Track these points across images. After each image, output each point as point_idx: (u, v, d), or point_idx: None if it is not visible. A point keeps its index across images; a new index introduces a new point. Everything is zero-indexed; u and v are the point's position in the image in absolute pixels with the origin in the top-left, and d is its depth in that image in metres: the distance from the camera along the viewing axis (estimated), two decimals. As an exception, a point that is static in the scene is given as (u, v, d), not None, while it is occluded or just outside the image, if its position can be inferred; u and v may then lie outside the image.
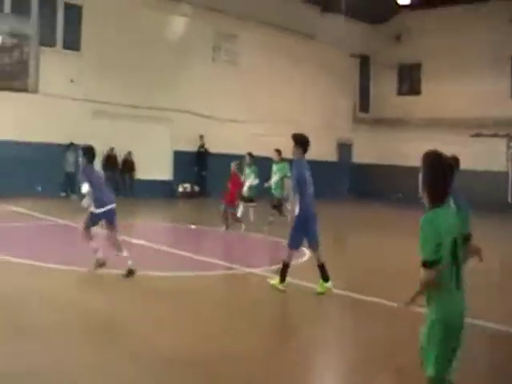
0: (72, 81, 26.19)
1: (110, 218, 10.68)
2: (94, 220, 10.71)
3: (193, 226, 18.38)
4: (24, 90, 22.39)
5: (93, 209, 10.58)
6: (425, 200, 4.55)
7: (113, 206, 10.71)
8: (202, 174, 30.33)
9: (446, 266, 4.37)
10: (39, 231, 16.10)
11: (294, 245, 9.82)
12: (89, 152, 10.66)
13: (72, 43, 27.07)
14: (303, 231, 9.72)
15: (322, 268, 9.77)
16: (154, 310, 8.60)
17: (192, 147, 30.59)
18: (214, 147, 30.02)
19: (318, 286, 9.84)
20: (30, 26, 22.13)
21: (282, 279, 9.82)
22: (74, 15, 26.92)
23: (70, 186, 26.07)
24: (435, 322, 4.41)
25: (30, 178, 24.66)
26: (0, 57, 21.91)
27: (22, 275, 10.39)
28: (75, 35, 27.12)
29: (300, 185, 9.69)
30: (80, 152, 10.81)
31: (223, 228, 17.41)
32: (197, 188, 30.12)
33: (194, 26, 29.93)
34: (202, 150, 30.62)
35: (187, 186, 29.78)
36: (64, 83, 25.85)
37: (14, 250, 12.14)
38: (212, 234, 17.53)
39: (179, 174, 29.96)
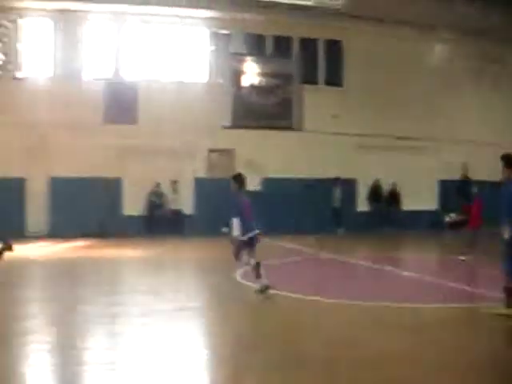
0: (335, 116, 26.59)
1: (252, 245, 11.21)
2: (241, 246, 11.22)
3: (462, 258, 17.67)
4: (289, 127, 23.25)
5: (239, 235, 11.03)
6: None
7: (256, 232, 11.19)
8: (466, 203, 29.20)
9: None
10: (316, 266, 16.78)
11: None
12: (238, 179, 11.39)
13: (334, 79, 27.59)
14: None
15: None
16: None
17: (457, 175, 29.67)
18: (478, 175, 28.82)
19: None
20: (292, 66, 22.98)
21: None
22: (334, 51, 27.40)
23: (337, 221, 26.28)
24: None
25: (298, 213, 25.33)
26: (264, 97, 23.01)
27: (297, 308, 10.58)
28: (337, 71, 27.58)
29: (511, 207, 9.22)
30: (231, 179, 11.46)
31: (463, 257, 17.27)
32: (463, 217, 28.99)
33: (454, 50, 29.22)
34: (465, 178, 29.56)
35: (453, 215, 28.79)
36: (327, 119, 26.39)
37: (287, 285, 12.34)
38: (484, 266, 16.60)
39: (445, 204, 29.14)
